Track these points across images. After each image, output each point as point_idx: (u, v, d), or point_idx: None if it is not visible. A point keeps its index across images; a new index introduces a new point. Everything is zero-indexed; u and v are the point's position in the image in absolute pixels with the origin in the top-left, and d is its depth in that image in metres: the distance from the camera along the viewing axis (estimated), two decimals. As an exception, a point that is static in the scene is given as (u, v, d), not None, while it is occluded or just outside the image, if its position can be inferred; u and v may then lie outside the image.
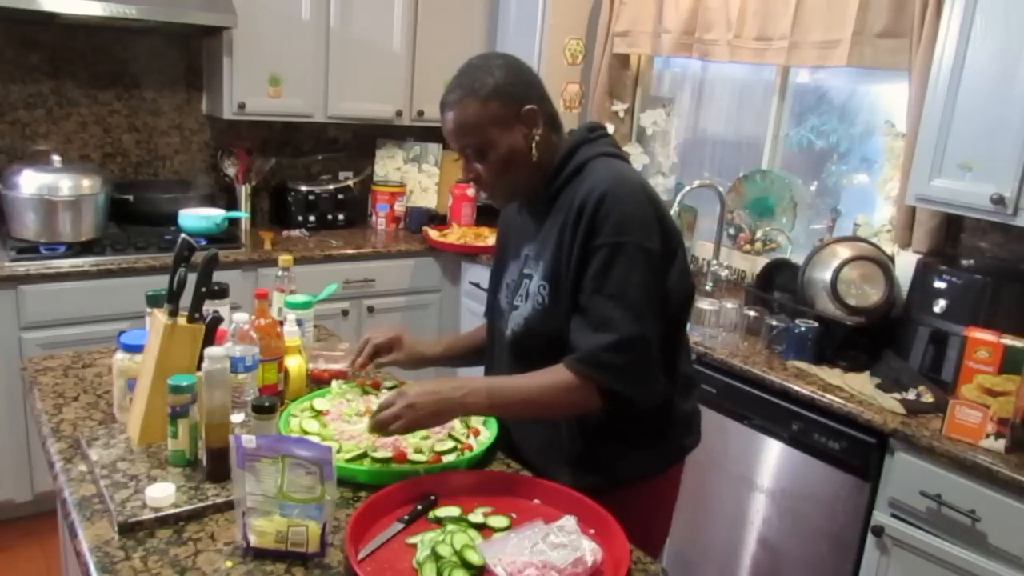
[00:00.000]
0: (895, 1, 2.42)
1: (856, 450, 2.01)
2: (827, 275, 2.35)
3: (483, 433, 1.52)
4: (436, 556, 1.13)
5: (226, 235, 3.08)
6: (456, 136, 1.42)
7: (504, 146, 1.40)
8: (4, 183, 2.72)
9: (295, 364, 1.67)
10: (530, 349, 1.45)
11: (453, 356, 1.78)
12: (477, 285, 3.28)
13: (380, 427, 1.35)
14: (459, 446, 1.46)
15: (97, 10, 2.62)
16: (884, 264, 2.36)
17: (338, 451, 1.40)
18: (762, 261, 2.85)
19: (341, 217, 3.53)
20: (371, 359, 1.69)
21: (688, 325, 1.57)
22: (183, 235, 1.49)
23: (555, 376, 1.36)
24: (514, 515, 1.28)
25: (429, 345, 1.76)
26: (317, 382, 1.75)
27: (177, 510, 1.23)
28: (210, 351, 1.32)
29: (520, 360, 1.47)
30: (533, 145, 1.41)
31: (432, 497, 1.31)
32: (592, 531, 1.23)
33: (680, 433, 1.56)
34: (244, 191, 3.34)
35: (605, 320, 1.33)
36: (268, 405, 1.32)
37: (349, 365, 1.72)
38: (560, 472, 1.44)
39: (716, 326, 2.46)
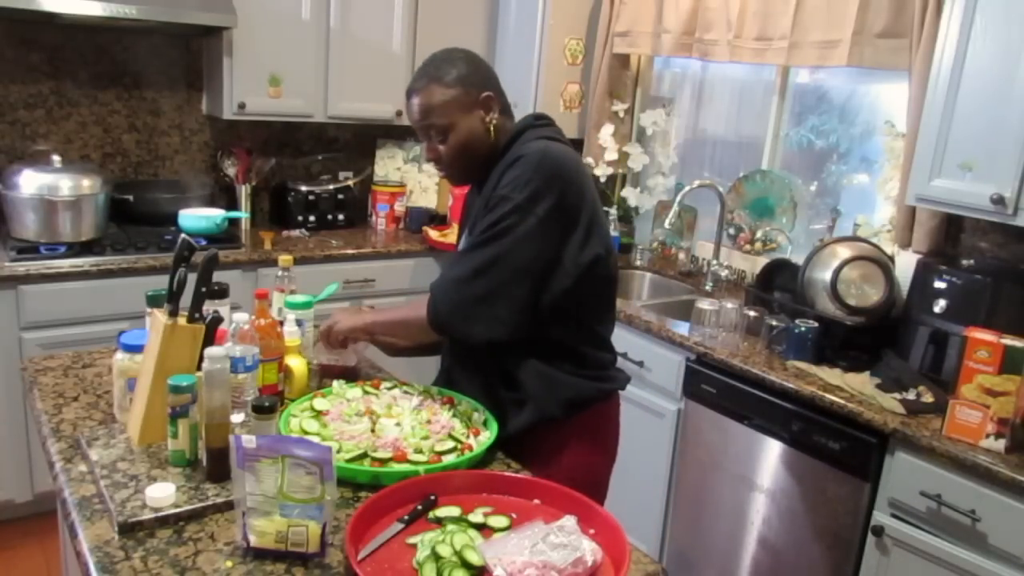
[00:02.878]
0: (895, 1, 2.42)
1: (856, 450, 2.01)
2: (827, 275, 2.35)
3: (483, 433, 1.52)
4: (436, 556, 1.13)
5: (226, 235, 3.08)
6: (421, 119, 1.57)
7: (464, 128, 1.56)
8: (4, 183, 2.72)
9: (298, 364, 1.67)
10: None
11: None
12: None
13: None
14: (459, 446, 1.46)
15: (97, 10, 2.62)
16: (884, 264, 2.36)
17: (338, 451, 1.40)
18: (762, 261, 2.85)
19: (341, 217, 3.53)
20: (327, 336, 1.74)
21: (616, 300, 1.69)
22: (183, 235, 1.49)
23: (416, 305, 1.58)
24: (514, 515, 1.28)
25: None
26: (325, 375, 1.75)
27: (177, 510, 1.23)
28: (210, 351, 1.32)
29: None
30: (491, 128, 1.58)
31: (432, 497, 1.31)
32: (592, 531, 1.23)
33: (596, 374, 1.63)
34: (244, 191, 3.34)
35: (460, 259, 1.53)
36: (268, 405, 1.32)
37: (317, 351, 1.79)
38: (501, 410, 1.58)
39: (716, 326, 2.46)
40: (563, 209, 1.48)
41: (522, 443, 1.58)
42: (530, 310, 1.50)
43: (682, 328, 2.52)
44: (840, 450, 2.05)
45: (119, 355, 1.52)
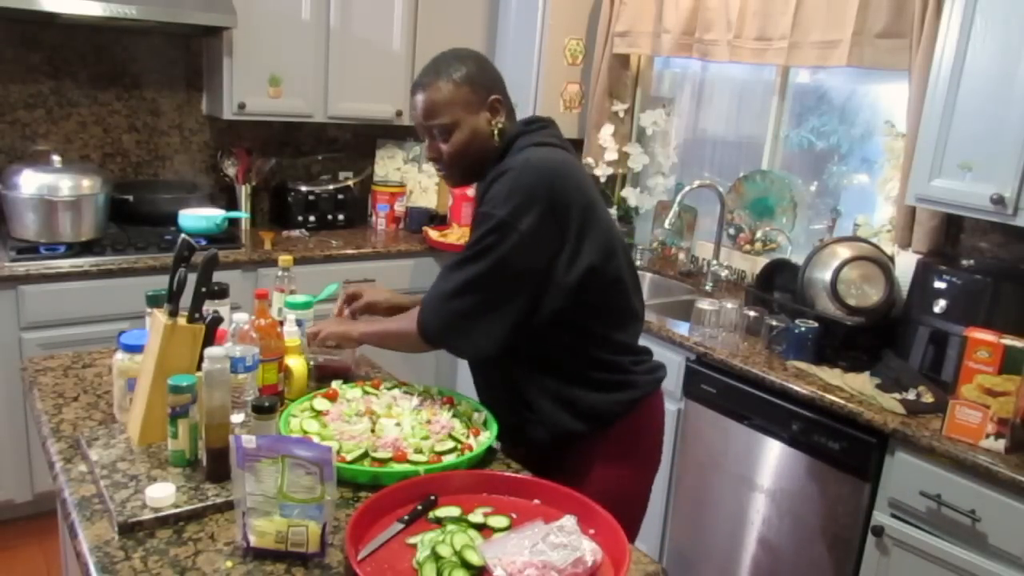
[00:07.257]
0: (895, 1, 2.42)
1: (856, 450, 2.01)
2: (827, 275, 2.35)
3: (483, 433, 1.52)
4: (436, 556, 1.13)
5: (226, 235, 3.08)
6: (426, 115, 1.55)
7: (468, 128, 1.55)
8: (4, 183, 2.72)
9: (298, 364, 1.67)
10: None
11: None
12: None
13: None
14: (459, 446, 1.46)
15: (97, 10, 2.62)
16: (884, 264, 2.36)
17: (338, 451, 1.40)
18: (762, 261, 2.85)
19: (341, 217, 3.53)
20: (348, 304, 1.82)
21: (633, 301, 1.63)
22: (183, 235, 1.49)
23: (406, 319, 1.60)
24: (514, 515, 1.28)
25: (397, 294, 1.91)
26: (320, 377, 1.76)
27: (177, 510, 1.23)
28: (210, 351, 1.32)
29: None
30: (495, 131, 1.57)
31: (432, 497, 1.31)
32: (592, 531, 1.23)
33: (617, 381, 1.59)
34: (244, 191, 3.34)
35: (446, 275, 1.51)
36: (268, 405, 1.32)
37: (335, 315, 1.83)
38: (535, 426, 1.59)
39: (716, 326, 2.46)
40: (548, 223, 1.45)
41: (548, 459, 1.57)
42: (517, 327, 1.49)
43: (682, 328, 2.52)
44: (840, 450, 2.05)
45: (119, 355, 1.52)
